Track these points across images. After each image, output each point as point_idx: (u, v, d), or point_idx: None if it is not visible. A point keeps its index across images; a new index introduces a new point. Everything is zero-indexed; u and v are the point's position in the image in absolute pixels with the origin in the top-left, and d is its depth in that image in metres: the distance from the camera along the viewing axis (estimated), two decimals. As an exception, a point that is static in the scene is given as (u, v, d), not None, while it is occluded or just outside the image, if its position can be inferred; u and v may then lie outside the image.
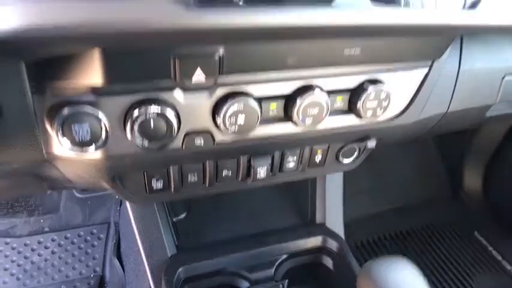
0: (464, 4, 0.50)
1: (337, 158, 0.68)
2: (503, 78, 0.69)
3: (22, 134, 0.47)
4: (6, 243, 1.22)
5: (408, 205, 1.43)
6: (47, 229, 1.27)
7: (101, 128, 0.46)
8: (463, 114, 0.70)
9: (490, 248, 1.33)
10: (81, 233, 1.27)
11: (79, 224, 1.29)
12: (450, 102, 0.66)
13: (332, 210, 0.88)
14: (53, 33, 0.36)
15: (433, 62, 0.59)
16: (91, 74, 0.44)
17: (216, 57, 0.45)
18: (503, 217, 1.39)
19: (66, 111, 0.44)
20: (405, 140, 0.75)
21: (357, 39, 0.49)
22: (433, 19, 0.47)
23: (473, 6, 0.50)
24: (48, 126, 0.46)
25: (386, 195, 1.43)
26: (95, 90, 0.45)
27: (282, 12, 0.40)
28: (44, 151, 0.49)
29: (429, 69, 0.60)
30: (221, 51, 0.45)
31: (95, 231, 1.27)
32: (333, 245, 0.85)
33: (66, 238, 1.25)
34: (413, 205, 1.44)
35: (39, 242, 1.23)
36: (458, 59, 0.64)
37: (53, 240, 1.24)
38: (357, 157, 0.69)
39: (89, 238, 1.26)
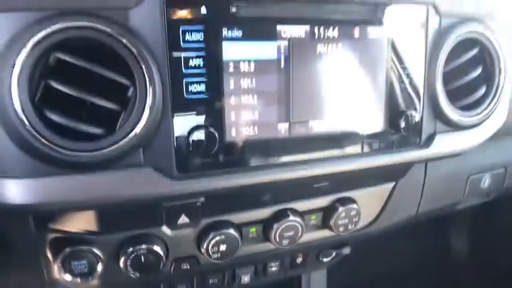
0: (420, 142, 0.57)
1: (317, 258, 0.73)
2: (468, 178, 0.76)
3: (27, 263, 0.53)
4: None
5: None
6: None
7: (98, 262, 0.52)
8: (433, 212, 0.76)
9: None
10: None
11: None
12: (419, 205, 0.72)
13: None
14: (56, 207, 0.43)
15: (397, 180, 0.66)
16: (89, 223, 0.50)
17: (198, 206, 0.51)
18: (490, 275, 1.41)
19: (66, 251, 0.50)
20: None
21: (323, 179, 0.56)
22: (389, 160, 0.54)
23: (427, 143, 0.57)
24: (50, 258, 0.52)
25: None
26: (91, 231, 0.51)
27: (241, 175, 0.47)
28: (46, 277, 0.54)
29: (395, 185, 0.66)
30: (202, 200, 0.51)
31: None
32: None
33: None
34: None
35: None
36: (424, 169, 0.70)
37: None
38: (336, 256, 0.75)
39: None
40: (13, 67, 0.38)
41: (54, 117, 0.40)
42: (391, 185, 0.67)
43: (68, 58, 0.39)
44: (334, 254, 0.74)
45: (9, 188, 0.41)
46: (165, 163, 0.44)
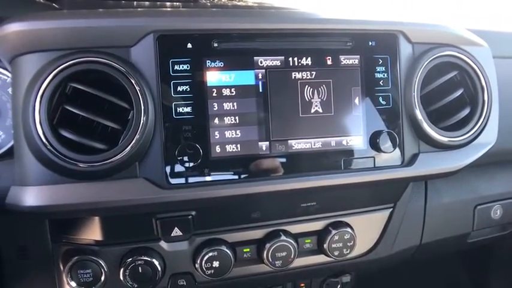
0: (403, 162, 0.59)
1: (321, 290, 0.73)
2: (475, 208, 0.74)
3: (42, 272, 0.59)
4: None
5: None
6: None
7: (101, 272, 0.57)
8: (441, 243, 0.74)
9: None
10: None
11: None
12: (422, 234, 0.71)
13: None
14: (65, 209, 0.50)
15: (395, 204, 0.67)
16: (94, 232, 0.56)
17: (189, 219, 0.56)
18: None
19: (73, 259, 0.56)
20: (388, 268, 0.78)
21: (311, 195, 0.59)
22: (370, 177, 0.56)
23: (411, 162, 0.59)
24: (61, 268, 0.58)
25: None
26: (97, 243, 0.57)
27: (229, 187, 0.52)
28: (57, 286, 0.60)
29: (393, 209, 0.67)
30: (193, 213, 0.56)
31: None
32: None
33: None
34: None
35: None
36: (423, 197, 0.70)
37: None
38: (342, 288, 0.74)
39: None
40: (37, 95, 0.47)
41: (68, 134, 0.48)
42: (387, 212, 0.67)
43: (81, 87, 0.49)
44: (339, 286, 0.73)
45: (28, 194, 0.49)
46: (156, 175, 0.51)
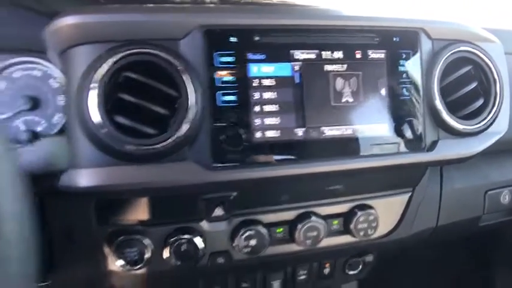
0: (424, 147, 0.65)
1: (343, 270, 0.78)
2: (485, 193, 0.80)
3: (87, 254, 0.63)
4: None
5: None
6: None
7: (146, 251, 0.62)
8: (455, 226, 0.80)
9: None
10: None
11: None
12: (438, 217, 0.77)
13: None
14: (116, 189, 0.54)
15: (414, 188, 0.72)
16: (140, 213, 0.61)
17: (231, 199, 0.61)
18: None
19: (120, 238, 0.61)
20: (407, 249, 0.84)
21: (335, 180, 0.64)
22: (395, 161, 0.62)
23: (431, 148, 0.65)
24: (106, 249, 0.62)
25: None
26: (142, 223, 0.62)
27: (269, 169, 0.57)
28: (101, 268, 0.64)
29: (412, 193, 0.72)
30: (234, 194, 0.61)
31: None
32: None
33: None
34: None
35: None
36: (439, 183, 0.76)
37: None
38: (362, 269, 0.79)
39: None
40: (92, 84, 0.52)
41: (122, 120, 0.53)
42: (407, 195, 0.73)
43: (133, 75, 0.53)
44: (360, 267, 0.78)
45: (81, 175, 0.53)
46: (203, 158, 0.55)
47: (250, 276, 0.72)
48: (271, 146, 0.58)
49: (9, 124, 0.70)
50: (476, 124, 0.67)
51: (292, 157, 0.59)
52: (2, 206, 0.29)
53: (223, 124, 0.56)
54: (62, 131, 0.70)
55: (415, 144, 0.64)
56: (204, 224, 0.63)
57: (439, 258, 1.50)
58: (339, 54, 0.60)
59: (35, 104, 0.70)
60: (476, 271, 1.47)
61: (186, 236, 0.61)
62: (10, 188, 0.32)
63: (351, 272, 0.78)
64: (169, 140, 0.53)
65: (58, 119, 0.73)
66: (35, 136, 0.71)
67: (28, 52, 0.69)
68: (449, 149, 0.65)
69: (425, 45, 0.65)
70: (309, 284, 0.77)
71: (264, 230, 0.64)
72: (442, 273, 1.32)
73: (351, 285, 0.94)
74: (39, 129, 0.73)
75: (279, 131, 0.58)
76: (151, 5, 0.58)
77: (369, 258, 0.75)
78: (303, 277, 0.75)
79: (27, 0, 0.63)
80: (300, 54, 0.59)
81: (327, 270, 0.77)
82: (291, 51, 0.59)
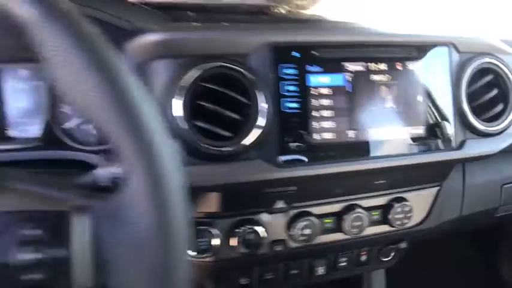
0: (454, 146, 0.74)
1: (378, 257, 0.87)
2: (502, 186, 0.90)
3: None
4: None
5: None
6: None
7: (215, 241, 0.70)
8: (475, 216, 0.89)
9: None
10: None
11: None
12: (461, 208, 0.86)
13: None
14: (200, 186, 0.62)
15: (442, 183, 0.82)
16: (212, 206, 0.69)
17: (290, 194, 0.69)
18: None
19: (192, 230, 0.69)
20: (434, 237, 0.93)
21: (381, 175, 0.73)
22: (431, 158, 0.71)
23: (460, 147, 0.74)
24: None
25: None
26: (212, 215, 0.70)
27: (327, 166, 0.66)
28: None
29: (440, 187, 0.82)
30: (293, 189, 0.69)
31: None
32: None
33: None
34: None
35: None
36: (462, 178, 0.86)
37: None
38: (394, 256, 0.88)
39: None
40: (176, 92, 0.60)
41: (203, 124, 0.61)
42: (436, 189, 0.82)
43: (211, 86, 0.61)
44: (392, 255, 0.87)
45: None
46: (271, 157, 0.63)
47: (298, 263, 0.81)
48: (328, 147, 0.66)
49: (80, 128, 0.79)
50: (497, 126, 0.76)
51: (346, 156, 0.67)
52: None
53: (287, 128, 0.65)
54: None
55: (446, 143, 0.74)
56: (265, 216, 0.72)
57: (447, 249, 1.60)
58: (382, 66, 0.69)
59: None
60: (483, 261, 1.58)
61: (250, 227, 0.70)
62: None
63: (384, 259, 0.87)
64: (243, 142, 0.62)
65: None
66: (103, 140, 0.79)
67: None
68: (474, 148, 0.75)
69: (454, 57, 0.74)
70: (347, 270, 0.86)
71: (316, 221, 0.73)
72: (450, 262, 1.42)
73: (379, 272, 1.03)
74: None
75: (334, 133, 0.67)
76: (225, 23, 0.66)
77: (403, 245, 0.84)
78: (343, 264, 0.84)
79: (106, 15, 0.70)
80: (351, 66, 0.68)
81: (363, 258, 0.86)
82: (343, 63, 0.67)
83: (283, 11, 0.91)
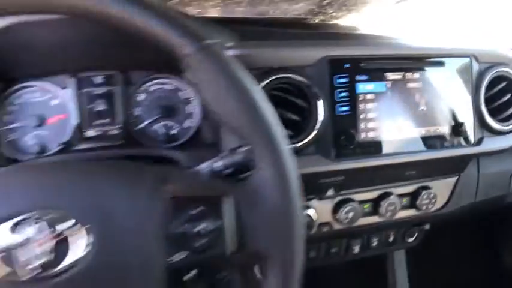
0: (474, 142, 0.87)
1: (403, 238, 1.01)
2: (510, 176, 1.04)
3: None
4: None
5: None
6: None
7: None
8: (488, 202, 1.03)
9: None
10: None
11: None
12: (476, 194, 1.00)
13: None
14: None
15: (460, 173, 0.95)
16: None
17: (339, 183, 0.82)
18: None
19: None
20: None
21: (412, 167, 0.86)
22: (454, 153, 0.85)
23: (478, 143, 0.88)
24: None
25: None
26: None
27: (371, 160, 0.79)
28: None
29: (458, 178, 0.96)
30: (341, 178, 0.82)
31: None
32: None
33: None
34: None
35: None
36: (477, 169, 0.99)
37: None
38: (417, 237, 1.02)
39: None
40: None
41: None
42: (455, 178, 0.96)
43: (277, 93, 0.73)
44: (416, 235, 1.01)
45: None
46: (328, 152, 0.76)
47: (338, 243, 0.94)
48: (372, 143, 0.79)
49: (150, 128, 0.91)
50: (510, 125, 0.90)
51: (388, 151, 0.80)
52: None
53: (340, 128, 0.77)
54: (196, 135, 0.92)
55: (467, 140, 0.87)
56: (315, 202, 0.85)
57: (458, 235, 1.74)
58: (416, 75, 0.82)
59: (168, 111, 0.90)
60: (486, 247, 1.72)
61: (305, 211, 0.82)
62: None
63: (409, 240, 1.01)
64: (305, 140, 0.74)
65: (188, 123, 0.94)
66: (170, 138, 0.92)
67: (159, 70, 0.89)
68: (491, 144, 0.89)
69: (475, 67, 0.87)
70: (378, 249, 0.99)
71: (357, 206, 0.86)
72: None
73: (401, 252, 1.18)
74: (173, 132, 0.93)
75: (377, 132, 0.80)
76: (292, 41, 0.78)
77: (426, 226, 0.98)
78: (374, 244, 0.98)
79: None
80: (391, 75, 0.81)
81: (391, 238, 0.99)
82: (385, 73, 0.80)
83: (319, 21, 1.04)
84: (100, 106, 0.86)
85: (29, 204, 0.42)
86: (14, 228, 0.42)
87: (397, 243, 1.00)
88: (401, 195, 0.90)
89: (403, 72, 0.81)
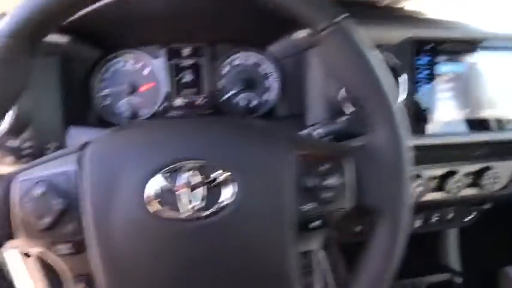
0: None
1: (461, 216, 1.05)
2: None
3: None
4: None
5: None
6: None
7: None
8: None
9: None
10: None
11: None
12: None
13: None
14: None
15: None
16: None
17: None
18: None
19: None
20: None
21: (478, 147, 0.90)
22: None
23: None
24: None
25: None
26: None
27: (445, 137, 0.83)
28: None
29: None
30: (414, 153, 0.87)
31: None
32: None
33: None
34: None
35: None
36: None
37: None
38: (474, 216, 1.06)
39: None
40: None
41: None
42: (515, 161, 1.00)
43: None
44: (474, 214, 1.06)
45: None
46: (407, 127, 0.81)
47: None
48: (448, 122, 0.84)
49: (233, 100, 0.96)
50: None
51: (460, 130, 0.85)
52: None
53: (419, 105, 0.82)
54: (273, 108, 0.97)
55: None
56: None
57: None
58: (491, 57, 0.86)
59: (249, 85, 0.96)
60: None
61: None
62: None
63: (467, 218, 1.06)
64: None
65: (267, 96, 0.99)
66: (250, 110, 0.98)
67: (243, 44, 0.94)
68: None
69: None
70: (436, 225, 1.04)
71: (426, 181, 0.90)
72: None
73: (453, 231, 1.22)
74: (253, 104, 0.99)
75: (452, 111, 0.84)
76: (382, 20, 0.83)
77: (486, 206, 1.02)
78: (434, 220, 1.02)
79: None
80: (468, 58, 0.84)
81: (450, 215, 1.04)
82: (463, 55, 0.84)
83: (382, 4, 1.06)
84: (187, 77, 0.93)
85: (184, 154, 0.48)
86: (171, 174, 0.48)
87: (454, 221, 1.05)
88: (467, 174, 0.94)
89: (479, 54, 0.85)
